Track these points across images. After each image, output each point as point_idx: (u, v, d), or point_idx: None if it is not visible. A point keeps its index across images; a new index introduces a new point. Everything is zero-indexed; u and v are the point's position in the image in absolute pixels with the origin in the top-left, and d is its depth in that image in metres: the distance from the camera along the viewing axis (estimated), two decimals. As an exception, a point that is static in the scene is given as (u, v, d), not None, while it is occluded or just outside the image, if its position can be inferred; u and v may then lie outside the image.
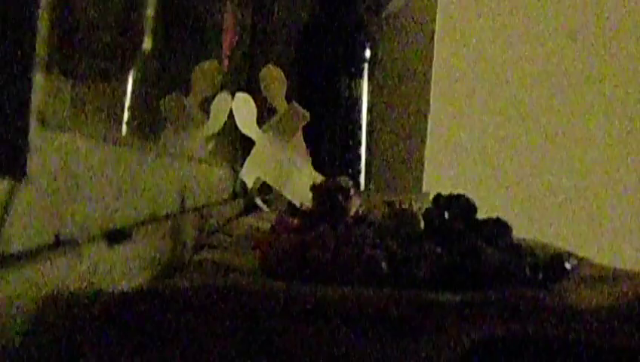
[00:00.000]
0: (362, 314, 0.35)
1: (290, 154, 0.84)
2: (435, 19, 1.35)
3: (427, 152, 1.35)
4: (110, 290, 0.37)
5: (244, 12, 1.12)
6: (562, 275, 0.44)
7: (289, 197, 0.82)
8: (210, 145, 0.81)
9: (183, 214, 0.60)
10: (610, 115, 1.55)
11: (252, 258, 0.51)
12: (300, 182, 0.80)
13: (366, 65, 1.20)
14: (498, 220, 0.50)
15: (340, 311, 0.35)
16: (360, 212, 0.58)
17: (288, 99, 0.90)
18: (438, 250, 0.44)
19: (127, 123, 0.50)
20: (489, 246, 0.44)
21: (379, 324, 0.34)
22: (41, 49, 0.28)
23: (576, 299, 0.38)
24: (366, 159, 1.21)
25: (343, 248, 0.45)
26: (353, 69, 1.18)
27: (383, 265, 0.43)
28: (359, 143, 1.20)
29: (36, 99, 0.28)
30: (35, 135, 0.28)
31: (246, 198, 1.01)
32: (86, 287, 0.34)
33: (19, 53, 0.27)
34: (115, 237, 0.38)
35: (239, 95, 0.82)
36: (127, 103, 0.50)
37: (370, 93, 1.21)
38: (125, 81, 0.50)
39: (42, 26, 0.28)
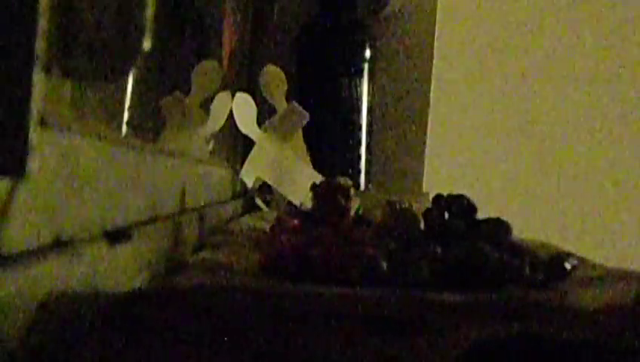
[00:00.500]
0: (362, 314, 0.35)
1: (290, 154, 0.84)
2: (435, 19, 1.35)
3: (427, 152, 1.35)
4: (110, 290, 0.37)
5: (244, 12, 1.12)
6: (562, 275, 0.44)
7: (289, 197, 0.82)
8: (210, 145, 0.81)
9: (183, 214, 0.60)
10: (611, 115, 1.55)
11: (252, 258, 0.51)
12: (300, 182, 0.80)
13: (366, 65, 1.20)
14: (498, 220, 0.50)
15: (339, 311, 0.35)
16: (360, 212, 0.58)
17: (288, 99, 0.90)
18: (438, 250, 0.44)
19: (127, 123, 0.50)
20: (489, 246, 0.44)
21: (379, 324, 0.34)
22: (41, 49, 0.28)
23: (576, 299, 0.38)
24: (366, 159, 1.21)
25: (343, 248, 0.45)
26: (353, 69, 1.18)
27: (383, 265, 0.43)
28: (359, 143, 1.20)
29: (36, 99, 0.28)
30: (35, 135, 0.28)
31: (246, 198, 1.01)
32: (86, 287, 0.34)
33: (19, 53, 0.27)
34: (115, 237, 0.38)
35: (239, 95, 0.82)
36: (127, 103, 0.50)
37: (370, 93, 1.21)
38: (125, 81, 0.50)
39: (42, 26, 0.28)
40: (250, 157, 0.84)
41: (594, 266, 0.52)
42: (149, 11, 0.55)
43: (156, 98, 0.62)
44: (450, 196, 0.52)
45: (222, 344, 0.34)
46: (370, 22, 1.28)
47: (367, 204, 0.63)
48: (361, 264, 0.43)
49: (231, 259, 0.52)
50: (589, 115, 1.55)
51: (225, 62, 0.96)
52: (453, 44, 1.47)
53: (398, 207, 0.52)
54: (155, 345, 0.33)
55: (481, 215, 0.51)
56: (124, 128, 0.50)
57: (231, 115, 0.81)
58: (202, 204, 0.72)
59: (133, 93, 0.51)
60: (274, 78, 0.89)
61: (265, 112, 0.90)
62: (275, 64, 0.91)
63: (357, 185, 1.17)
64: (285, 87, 0.90)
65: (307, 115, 0.86)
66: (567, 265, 0.44)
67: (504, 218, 0.50)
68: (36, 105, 0.28)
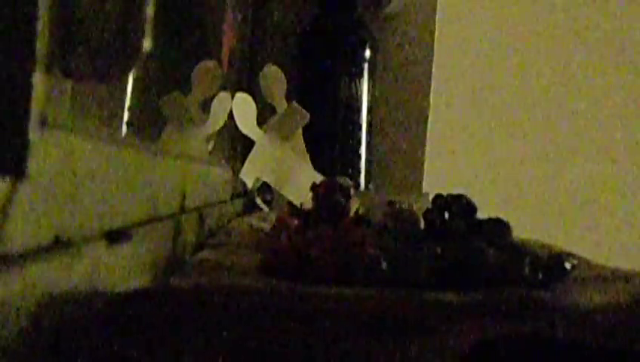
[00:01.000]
0: (362, 314, 0.35)
1: (290, 154, 0.84)
2: (435, 19, 1.35)
3: (427, 152, 1.35)
4: (110, 290, 0.37)
5: (244, 12, 1.12)
6: (562, 275, 0.44)
7: (289, 197, 0.82)
8: (210, 145, 0.81)
9: (183, 214, 0.60)
10: (611, 115, 1.55)
11: (252, 258, 0.51)
12: (300, 182, 0.80)
13: (366, 65, 1.20)
14: (498, 220, 0.50)
15: (339, 311, 0.35)
16: (360, 212, 0.58)
17: (288, 99, 0.90)
18: (438, 250, 0.44)
19: (127, 123, 0.50)
20: (489, 246, 0.44)
21: (379, 324, 0.34)
22: (41, 49, 0.28)
23: (576, 299, 0.38)
24: (366, 159, 1.21)
25: (343, 248, 0.45)
26: (353, 69, 1.18)
27: (383, 265, 0.43)
28: (359, 143, 1.20)
29: (36, 99, 0.28)
30: (35, 135, 0.28)
31: (246, 198, 1.01)
32: (86, 287, 0.34)
33: (19, 53, 0.27)
34: (115, 237, 0.38)
35: (239, 95, 0.82)
36: (127, 103, 0.50)
37: (370, 93, 1.21)
38: (125, 81, 0.50)
39: (42, 26, 0.28)
40: (250, 157, 0.84)
41: (594, 266, 0.52)
42: (149, 11, 0.55)
43: (156, 98, 0.62)
44: (450, 196, 0.52)
45: (222, 344, 0.34)
46: (370, 22, 1.28)
47: (367, 204, 0.63)
48: (361, 264, 0.43)
49: (231, 259, 0.52)
50: (589, 115, 1.55)
51: (225, 62, 0.96)
52: (453, 44, 1.47)
53: (398, 207, 0.52)
54: (155, 345, 0.33)
55: (481, 215, 0.51)
56: (124, 128, 0.50)
57: (231, 115, 0.81)
58: (202, 204, 0.72)
59: (133, 93, 0.51)
60: (274, 78, 0.89)
61: (265, 112, 0.90)
62: (275, 64, 0.91)
63: (357, 185, 1.17)
64: (285, 87, 0.90)
65: (307, 115, 0.86)
66: (567, 265, 0.44)
67: (504, 218, 0.50)
68: (36, 105, 0.28)
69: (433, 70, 1.35)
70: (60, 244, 0.32)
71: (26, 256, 0.28)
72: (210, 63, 0.78)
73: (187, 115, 0.69)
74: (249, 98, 0.83)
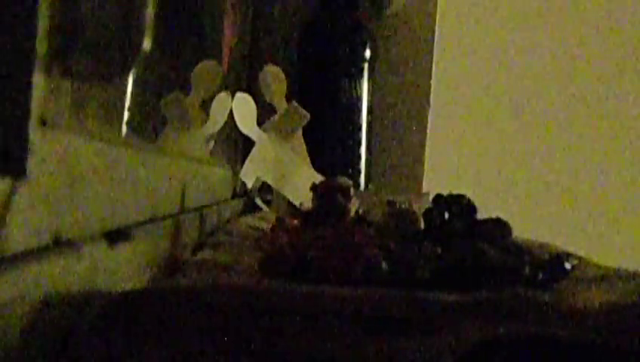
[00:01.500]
0: (362, 314, 0.35)
1: (290, 154, 0.84)
2: (435, 19, 1.35)
3: (427, 152, 1.35)
4: (110, 290, 0.37)
5: (244, 12, 1.12)
6: (562, 275, 0.44)
7: (289, 197, 0.82)
8: (210, 145, 0.81)
9: (183, 214, 0.60)
10: (612, 115, 1.55)
11: (252, 258, 0.51)
12: (300, 182, 0.80)
13: (366, 65, 1.20)
14: (498, 220, 0.50)
15: (339, 311, 0.35)
16: (360, 212, 0.58)
17: (288, 99, 0.90)
18: (438, 250, 0.44)
19: (127, 123, 0.50)
20: (489, 246, 0.44)
21: (379, 324, 0.34)
22: (41, 49, 0.28)
23: (576, 299, 0.38)
24: (366, 159, 1.21)
25: (343, 248, 0.45)
26: (353, 69, 1.18)
27: (383, 265, 0.43)
28: (359, 143, 1.20)
29: (36, 99, 0.28)
30: (35, 135, 0.28)
31: (246, 198, 1.01)
32: (86, 287, 0.34)
33: (19, 53, 0.27)
34: (115, 237, 0.38)
35: (239, 95, 0.82)
36: (127, 103, 0.50)
37: (370, 93, 1.21)
38: (125, 81, 0.50)
39: (42, 26, 0.28)
40: (250, 157, 0.84)
41: (594, 266, 0.52)
42: (149, 11, 0.55)
43: (156, 98, 0.62)
44: (450, 196, 0.52)
45: (222, 343, 0.34)
46: (370, 22, 1.28)
47: (367, 204, 0.63)
48: (361, 264, 0.43)
49: (231, 259, 0.52)
50: (589, 114, 1.55)
51: (225, 62, 0.96)
52: (453, 44, 1.47)
53: (398, 207, 0.52)
54: (155, 345, 0.33)
55: (481, 215, 0.51)
56: (124, 128, 0.50)
57: (231, 115, 0.81)
58: (202, 204, 0.72)
59: (133, 93, 0.51)
60: (274, 78, 0.89)
61: (265, 112, 0.90)
62: (275, 64, 0.91)
63: (357, 185, 1.17)
64: (285, 87, 0.90)
65: (307, 115, 0.86)
66: (567, 265, 0.44)
67: (504, 218, 0.50)
68: (36, 105, 0.28)
69: (433, 70, 1.35)
70: (60, 244, 0.32)
71: (26, 256, 0.28)
72: (210, 63, 0.78)
73: (187, 115, 0.69)
74: (249, 98, 0.83)
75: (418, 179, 1.34)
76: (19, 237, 0.28)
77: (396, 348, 0.33)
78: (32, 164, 0.28)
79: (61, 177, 0.32)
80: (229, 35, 0.98)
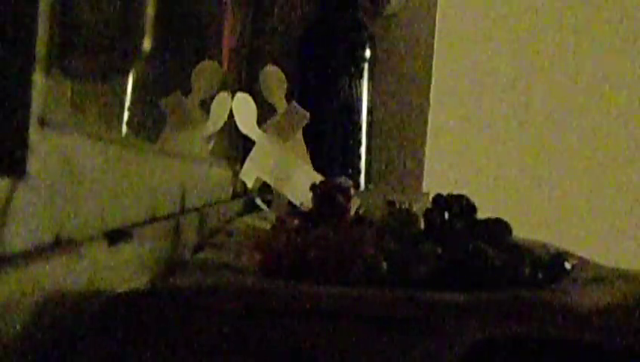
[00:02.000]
0: (362, 314, 0.35)
1: (290, 154, 0.84)
2: (435, 19, 1.35)
3: (427, 152, 1.35)
4: (110, 290, 0.37)
5: (244, 12, 1.12)
6: (562, 275, 0.44)
7: (289, 197, 0.82)
8: (210, 145, 0.81)
9: (183, 214, 0.60)
10: (611, 115, 1.55)
11: (252, 258, 0.51)
12: (300, 182, 0.80)
13: (366, 66, 1.20)
14: (498, 220, 0.50)
15: (340, 311, 0.35)
16: (360, 212, 0.58)
17: (288, 99, 0.90)
18: (438, 250, 0.44)
19: (127, 123, 0.50)
20: (489, 246, 0.44)
21: (379, 324, 0.34)
22: (41, 49, 0.28)
23: (576, 299, 0.38)
24: (366, 159, 1.21)
25: (343, 248, 0.45)
26: (353, 69, 1.18)
27: (383, 265, 0.43)
28: (359, 143, 1.20)
29: (36, 99, 0.28)
30: (35, 135, 0.28)
31: (246, 198, 1.01)
32: (86, 287, 0.34)
33: (19, 53, 0.27)
34: (115, 237, 0.38)
35: (239, 95, 0.82)
36: (127, 103, 0.50)
37: (370, 93, 1.21)
38: (125, 81, 0.50)
39: (42, 26, 0.28)
40: (250, 157, 0.84)
41: (594, 266, 0.52)
42: (149, 11, 0.55)
43: (156, 98, 0.62)
44: (450, 196, 0.52)
45: (222, 344, 0.34)
46: (370, 22, 1.28)
47: (367, 204, 0.63)
48: (361, 264, 0.43)
49: (231, 259, 0.52)
50: (589, 114, 1.54)
51: (225, 62, 0.96)
52: (453, 44, 1.47)
53: (398, 207, 0.52)
54: (155, 345, 0.33)
55: (481, 215, 0.51)
56: (124, 128, 0.50)
57: (231, 115, 0.81)
58: (202, 204, 0.72)
59: (133, 93, 0.51)
60: (274, 78, 0.89)
61: (265, 112, 0.90)
62: (275, 64, 0.91)
63: (357, 185, 1.17)
64: (285, 87, 0.90)
65: (307, 114, 0.86)
66: (567, 265, 0.44)
67: (504, 218, 0.50)
68: (36, 105, 0.28)
69: (433, 70, 1.35)
70: (60, 244, 0.32)
71: (26, 256, 0.28)
72: (210, 63, 0.78)
73: (187, 115, 0.69)
74: (249, 98, 0.83)
75: (418, 179, 1.34)
76: (19, 237, 0.28)
77: (396, 348, 0.33)
78: (32, 164, 0.28)
79: (61, 177, 0.32)
80: (229, 35, 0.98)
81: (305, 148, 0.89)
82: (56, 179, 0.32)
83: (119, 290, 0.37)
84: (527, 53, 1.53)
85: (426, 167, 1.35)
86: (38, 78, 0.28)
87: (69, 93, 0.35)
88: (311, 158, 0.90)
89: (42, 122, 0.29)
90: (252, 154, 0.83)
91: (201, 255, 0.55)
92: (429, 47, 1.35)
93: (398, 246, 0.46)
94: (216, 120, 0.77)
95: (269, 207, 0.93)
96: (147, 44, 0.54)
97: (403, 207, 0.52)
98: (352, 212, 0.56)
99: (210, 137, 0.79)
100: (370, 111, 1.21)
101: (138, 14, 0.52)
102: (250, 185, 0.86)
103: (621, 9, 1.53)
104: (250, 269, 0.48)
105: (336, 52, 1.18)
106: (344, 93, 1.18)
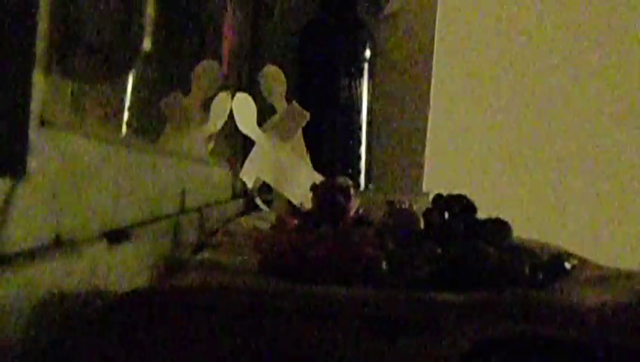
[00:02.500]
0: (362, 314, 0.35)
1: (290, 154, 0.84)
2: (435, 19, 1.35)
3: (427, 152, 1.35)
4: (110, 290, 0.37)
5: (244, 12, 1.12)
6: (562, 275, 0.44)
7: (289, 197, 0.81)
8: (210, 145, 0.81)
9: (183, 214, 0.60)
10: (611, 115, 1.55)
11: (252, 258, 0.51)
12: (300, 182, 0.80)
13: (366, 66, 1.20)
14: (498, 220, 0.50)
15: (340, 311, 0.35)
16: (360, 212, 0.58)
17: (288, 99, 0.89)
18: (438, 250, 0.44)
19: (127, 123, 0.50)
20: (489, 246, 0.44)
21: (379, 324, 0.34)
22: (41, 49, 0.28)
23: (576, 299, 0.38)
24: (366, 159, 1.21)
25: (343, 248, 0.45)
26: (353, 69, 1.18)
27: (383, 265, 0.43)
28: (359, 143, 1.20)
29: (36, 99, 0.28)
30: (35, 135, 0.28)
31: (246, 198, 1.01)
32: (86, 287, 0.34)
33: (19, 53, 0.27)
34: (115, 237, 0.38)
35: (239, 95, 0.82)
36: (127, 103, 0.50)
37: (370, 93, 1.21)
38: (125, 81, 0.50)
39: (42, 25, 0.28)
40: (250, 157, 0.84)
41: (594, 266, 0.52)
42: (149, 11, 0.55)
43: (156, 98, 0.62)
44: (450, 196, 0.52)
45: (222, 344, 0.34)
46: (370, 22, 1.28)
47: (367, 204, 0.63)
48: (361, 264, 0.43)
49: (231, 259, 0.52)
50: (589, 114, 1.54)
51: (225, 62, 0.96)
52: (453, 44, 1.47)
53: (398, 207, 0.51)
54: (155, 345, 0.33)
55: (481, 215, 0.51)
56: (124, 128, 0.50)
57: (231, 115, 0.81)
58: (202, 204, 0.72)
59: (133, 93, 0.51)
60: (274, 78, 0.89)
61: (265, 112, 0.90)
62: (275, 64, 0.91)
63: (357, 185, 1.17)
64: (285, 87, 0.90)
65: (307, 114, 0.86)
66: (567, 265, 0.44)
67: (504, 218, 0.50)
68: (36, 105, 0.28)
69: (433, 70, 1.35)
70: (60, 244, 0.32)
71: (26, 256, 0.28)
72: (210, 63, 0.78)
73: (187, 115, 0.69)
74: (249, 98, 0.83)
75: (418, 179, 1.34)
76: (19, 237, 0.28)
77: (396, 348, 0.33)
78: (32, 164, 0.28)
79: (61, 177, 0.32)
80: (229, 35, 0.98)
81: (305, 148, 0.89)
82: (56, 179, 0.32)
83: (119, 290, 0.37)
84: (527, 53, 1.53)
85: (426, 167, 1.35)
86: (38, 78, 0.28)
87: (69, 93, 0.35)
88: (311, 158, 0.90)
89: (42, 122, 0.29)
90: (252, 154, 0.83)
91: (201, 255, 0.55)
92: (429, 47, 1.35)
93: (398, 246, 0.46)
94: (216, 120, 0.77)
95: (269, 207, 0.93)
96: (147, 44, 0.54)
97: (403, 207, 0.52)
98: (352, 212, 0.56)
99: (210, 137, 0.79)
100: (370, 111, 1.21)
101: (138, 14, 0.52)
102: (250, 185, 0.86)
103: (621, 9, 1.53)
104: (250, 269, 0.48)
105: (336, 52, 1.18)
106: (344, 93, 1.18)
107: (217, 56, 0.91)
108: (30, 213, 0.29)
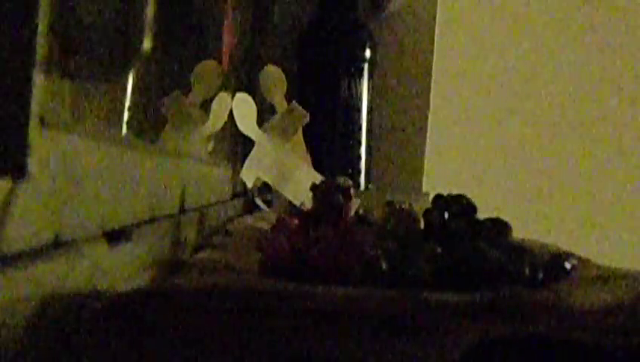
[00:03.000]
0: (362, 314, 0.35)
1: (290, 154, 0.84)
2: (435, 19, 1.35)
3: (427, 152, 1.35)
4: (110, 290, 0.37)
5: (244, 12, 1.12)
6: (562, 275, 0.44)
7: (289, 197, 0.81)
8: (210, 145, 0.81)
9: (183, 214, 0.60)
10: (611, 115, 1.55)
11: (252, 258, 0.51)
12: (300, 182, 0.80)
13: (366, 65, 1.20)
14: (498, 220, 0.50)
15: (340, 311, 0.35)
16: (360, 212, 0.58)
17: (288, 99, 0.89)
18: (438, 250, 0.44)
19: (127, 123, 0.50)
20: (489, 246, 0.44)
21: (379, 324, 0.34)
22: (41, 49, 0.28)
23: (576, 299, 0.38)
24: (366, 159, 1.21)
25: (343, 248, 0.45)
26: (353, 69, 1.18)
27: (383, 265, 0.43)
28: (359, 143, 1.20)
29: (36, 99, 0.28)
30: (35, 135, 0.28)
31: (246, 198, 1.01)
32: (86, 287, 0.34)
33: (19, 53, 0.27)
34: (115, 237, 0.38)
35: (239, 95, 0.82)
36: (127, 103, 0.50)
37: (370, 93, 1.21)
38: (125, 81, 0.50)
39: (42, 26, 0.28)
40: (250, 157, 0.84)
41: (594, 266, 0.52)
42: (149, 11, 0.55)
43: (156, 98, 0.62)
44: (450, 196, 0.52)
45: (222, 344, 0.34)
46: (370, 22, 1.28)
47: (367, 204, 0.63)
48: (361, 264, 0.43)
49: (231, 259, 0.52)
50: (589, 115, 1.54)
51: (225, 62, 0.96)
52: (453, 44, 1.47)
53: (398, 207, 0.51)
54: (155, 345, 0.33)
55: (481, 215, 0.51)
56: (124, 128, 0.50)
57: (231, 115, 0.81)
58: (202, 204, 0.72)
59: (133, 93, 0.51)
60: (274, 78, 0.89)
61: (265, 112, 0.90)
62: (275, 64, 0.91)
63: (357, 185, 1.17)
64: (285, 87, 0.90)
65: (307, 115, 0.86)
66: (567, 265, 0.44)
67: (504, 218, 0.50)
68: (36, 105, 0.28)
69: (433, 70, 1.35)
70: (60, 244, 0.32)
71: (26, 256, 0.28)
72: (210, 63, 0.78)
73: (187, 115, 0.69)
74: (249, 98, 0.83)
75: (418, 179, 1.34)
76: (19, 237, 0.28)
77: (396, 348, 0.33)
78: (32, 164, 0.28)
79: (61, 177, 0.32)
80: (229, 35, 0.98)
81: (305, 148, 0.89)
82: (56, 179, 0.32)
83: (119, 290, 0.37)
84: (527, 53, 1.53)
85: (426, 167, 1.35)
86: (38, 78, 0.28)
87: (69, 93, 0.35)
88: (311, 158, 0.90)
89: (42, 122, 0.29)
90: (252, 154, 0.83)
91: (201, 255, 0.55)
92: (429, 47, 1.35)
93: (398, 246, 0.46)
94: (216, 120, 0.77)
95: (269, 207, 0.93)
96: (147, 44, 0.54)
97: (403, 207, 0.52)
98: (352, 212, 0.56)
99: (210, 137, 0.79)
100: (370, 111, 1.21)
101: (138, 14, 0.52)
102: (250, 185, 0.86)
103: (621, 10, 1.53)
104: (250, 269, 0.48)
105: (336, 52, 1.18)
106: (344, 93, 1.18)
107: (217, 56, 0.91)
108: (30, 213, 0.29)
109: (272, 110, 0.90)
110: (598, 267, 0.52)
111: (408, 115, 1.34)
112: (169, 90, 0.65)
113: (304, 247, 0.46)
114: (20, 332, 0.27)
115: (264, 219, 0.83)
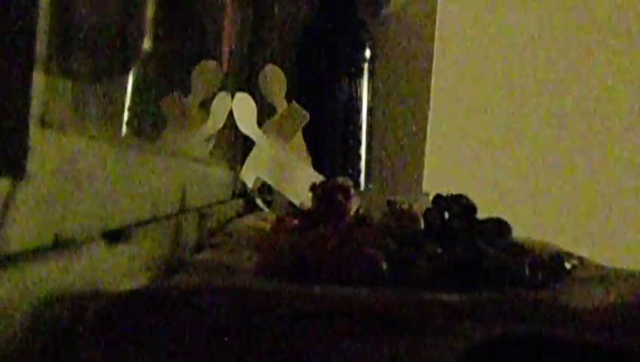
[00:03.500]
0: (362, 314, 0.35)
1: (290, 154, 0.84)
2: (435, 19, 1.35)
3: (427, 152, 1.35)
4: (110, 290, 0.37)
5: (244, 12, 1.12)
6: (562, 275, 0.44)
7: (289, 197, 0.81)
8: (210, 145, 0.81)
9: (183, 214, 0.60)
10: (610, 116, 1.55)
11: (252, 258, 0.51)
12: (300, 182, 0.80)
13: (366, 65, 1.20)
14: (498, 220, 0.50)
15: (340, 311, 0.35)
16: (360, 212, 0.58)
17: (288, 99, 0.90)
18: (438, 250, 0.44)
19: (127, 123, 0.50)
20: (489, 246, 0.44)
21: (379, 324, 0.34)
22: (41, 49, 0.28)
23: (576, 299, 0.38)
24: (366, 159, 1.21)
25: (343, 248, 0.45)
26: (353, 69, 1.18)
27: (383, 265, 0.43)
28: (359, 143, 1.19)
29: (36, 99, 0.28)
30: (35, 135, 0.28)
31: (246, 198, 1.01)
32: (86, 287, 0.34)
33: (19, 53, 0.27)
34: (115, 237, 0.38)
35: (239, 95, 0.82)
36: (127, 103, 0.50)
37: (370, 93, 1.21)
38: (125, 81, 0.50)
39: (42, 26, 0.28)
40: (250, 157, 0.84)
41: (594, 266, 0.52)
42: (149, 11, 0.55)
43: (156, 98, 0.62)
44: (450, 196, 0.52)
45: (221, 344, 0.34)
46: (370, 22, 1.28)
47: (367, 204, 0.63)
48: (361, 264, 0.43)
49: (231, 259, 0.52)
50: (590, 115, 1.54)
51: (225, 62, 0.96)
52: (453, 44, 1.47)
53: (398, 207, 0.51)
54: (155, 345, 0.33)
55: (481, 215, 0.51)
56: (124, 128, 0.50)
57: (231, 115, 0.81)
58: (202, 204, 0.72)
59: (133, 93, 0.51)
60: (274, 78, 0.89)
61: (265, 112, 0.90)
62: (275, 64, 0.91)
63: (357, 185, 1.17)
64: (285, 87, 0.90)
65: (307, 115, 0.86)
66: (567, 265, 0.44)
67: (504, 218, 0.50)
68: (36, 105, 0.28)
69: (433, 70, 1.35)
70: (59, 244, 0.32)
71: (26, 256, 0.28)
72: (210, 63, 0.78)
73: (187, 115, 0.69)
74: (249, 98, 0.83)
75: (418, 179, 1.34)
76: (19, 237, 0.28)
77: (396, 348, 0.33)
78: (32, 164, 0.28)
79: (61, 177, 0.32)
80: (229, 35, 0.98)
81: (305, 148, 0.89)
82: (56, 179, 0.32)
83: (119, 290, 0.37)
84: (527, 54, 1.53)
85: (426, 167, 1.35)
86: (38, 78, 0.28)
87: (69, 93, 0.35)
88: (311, 158, 0.90)
89: (42, 122, 0.29)
90: (252, 154, 0.83)
91: (201, 255, 0.55)
92: (429, 47, 1.35)
93: (398, 246, 0.46)
94: (216, 120, 0.77)
95: (269, 207, 0.94)
96: (147, 44, 0.54)
97: (403, 207, 0.52)
98: (352, 212, 0.56)
99: (210, 137, 0.79)
100: (370, 111, 1.21)
101: (138, 14, 0.52)
102: (250, 185, 0.86)
103: (621, 10, 1.53)
104: (250, 269, 0.48)
105: (336, 52, 1.18)
106: (344, 93, 1.18)
107: (217, 56, 0.91)
108: (30, 213, 0.29)
109: (272, 110, 0.90)
110: (598, 267, 0.52)
111: (408, 115, 1.34)
112: (169, 90, 0.65)
113: (304, 247, 0.46)
114: (20, 332, 0.27)
115: (264, 219, 0.83)
